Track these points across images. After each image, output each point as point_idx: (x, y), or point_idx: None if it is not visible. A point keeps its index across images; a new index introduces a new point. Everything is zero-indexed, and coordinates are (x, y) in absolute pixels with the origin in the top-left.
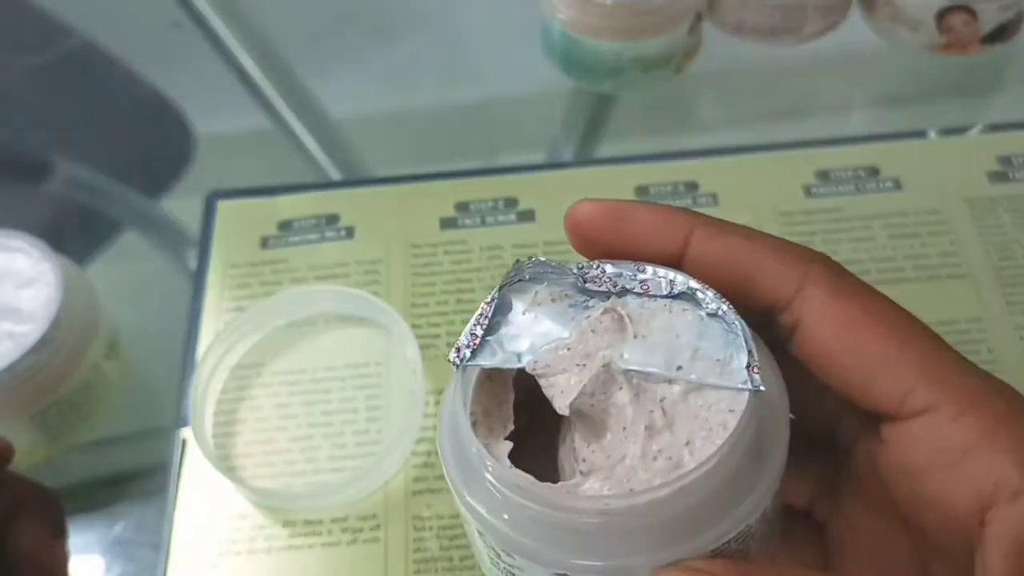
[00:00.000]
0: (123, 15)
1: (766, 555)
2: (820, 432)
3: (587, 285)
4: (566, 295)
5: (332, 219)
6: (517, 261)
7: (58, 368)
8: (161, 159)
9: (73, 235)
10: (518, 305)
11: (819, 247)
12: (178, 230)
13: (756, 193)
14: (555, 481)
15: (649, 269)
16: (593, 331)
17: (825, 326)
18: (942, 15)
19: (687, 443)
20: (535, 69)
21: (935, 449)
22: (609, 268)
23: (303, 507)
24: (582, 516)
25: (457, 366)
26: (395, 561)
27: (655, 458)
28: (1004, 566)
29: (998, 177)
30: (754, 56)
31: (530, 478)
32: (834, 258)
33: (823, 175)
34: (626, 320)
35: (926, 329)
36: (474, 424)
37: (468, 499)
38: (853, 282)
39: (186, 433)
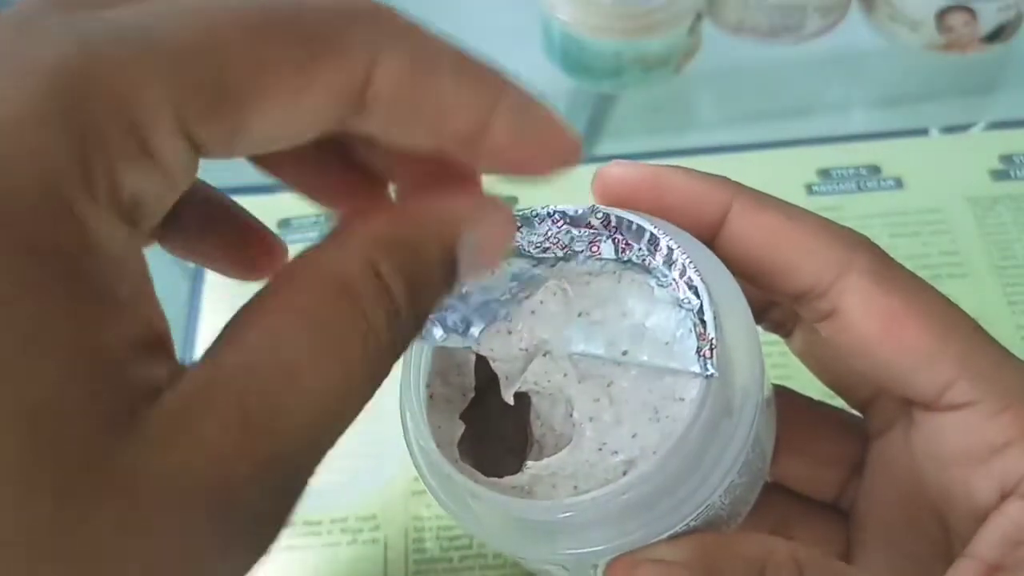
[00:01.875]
0: None
1: (745, 501)
2: (856, 409)
3: (532, 251)
4: (508, 263)
5: (331, 216)
6: None
7: None
8: None
9: None
10: None
11: None
12: None
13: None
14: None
15: (602, 216)
16: (533, 312)
17: (867, 318)
18: (942, 15)
19: (634, 436)
20: (535, 69)
21: (968, 443)
22: (559, 225)
23: (302, 507)
24: (526, 515)
25: None
26: (395, 562)
27: (600, 449)
28: (989, 553)
29: (1000, 175)
30: (754, 56)
31: (474, 475)
32: None
33: (824, 173)
34: (569, 295)
35: (969, 321)
36: (431, 397)
37: (429, 480)
38: (897, 271)
39: None
